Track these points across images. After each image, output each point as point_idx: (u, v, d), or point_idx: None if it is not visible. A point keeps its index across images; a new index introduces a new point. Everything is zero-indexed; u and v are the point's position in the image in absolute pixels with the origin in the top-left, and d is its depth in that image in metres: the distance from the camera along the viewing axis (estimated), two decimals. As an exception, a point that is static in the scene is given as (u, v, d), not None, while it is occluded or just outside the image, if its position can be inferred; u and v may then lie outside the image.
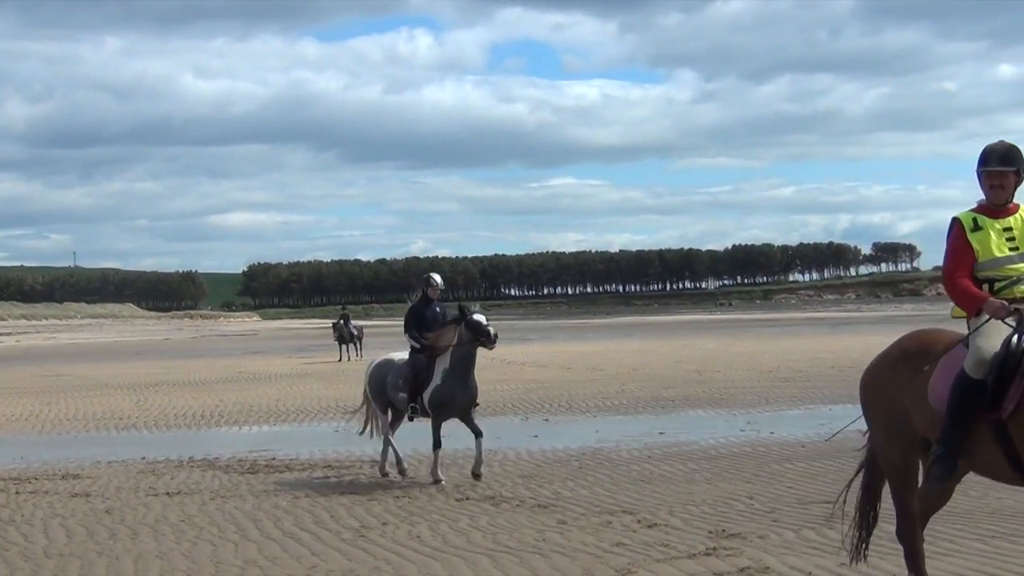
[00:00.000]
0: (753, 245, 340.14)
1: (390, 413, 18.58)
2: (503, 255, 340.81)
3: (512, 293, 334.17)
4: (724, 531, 13.00)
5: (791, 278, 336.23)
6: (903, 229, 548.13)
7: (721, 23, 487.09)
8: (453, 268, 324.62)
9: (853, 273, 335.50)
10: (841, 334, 69.37)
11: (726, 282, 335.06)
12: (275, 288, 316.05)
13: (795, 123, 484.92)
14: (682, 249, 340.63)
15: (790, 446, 20.35)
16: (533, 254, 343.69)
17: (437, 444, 17.55)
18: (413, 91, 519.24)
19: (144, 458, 21.12)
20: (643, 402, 29.10)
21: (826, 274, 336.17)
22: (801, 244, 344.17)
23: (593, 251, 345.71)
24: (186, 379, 42.33)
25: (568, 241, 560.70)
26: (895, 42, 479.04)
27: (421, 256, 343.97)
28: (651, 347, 58.87)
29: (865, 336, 64.62)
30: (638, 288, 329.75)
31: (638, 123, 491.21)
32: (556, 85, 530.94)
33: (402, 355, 18.43)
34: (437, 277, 18.64)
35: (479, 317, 17.48)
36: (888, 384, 9.79)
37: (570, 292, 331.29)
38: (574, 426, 24.76)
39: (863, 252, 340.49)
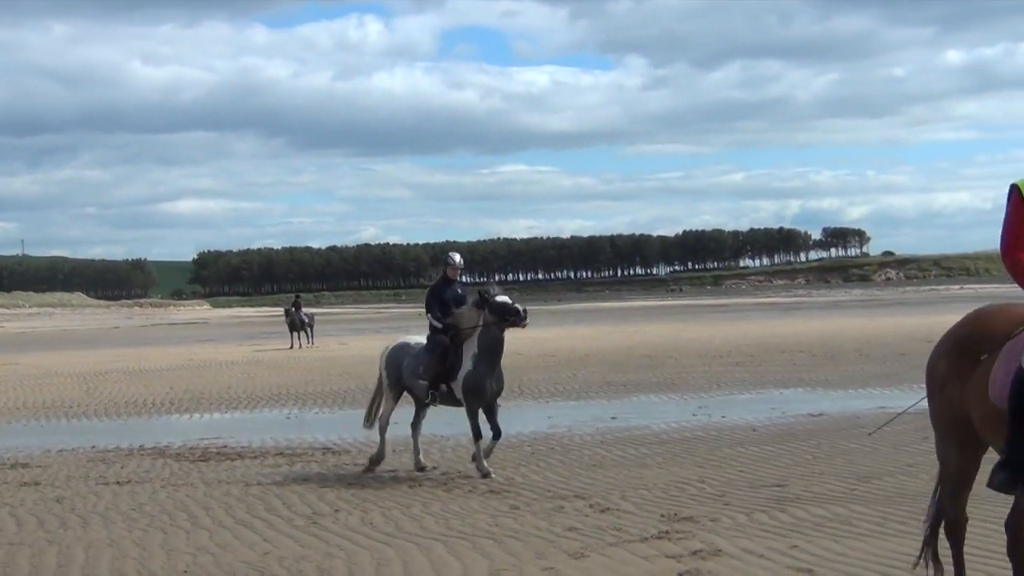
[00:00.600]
0: (704, 231, 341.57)
1: (407, 403, 17.67)
2: (454, 241, 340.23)
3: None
4: (676, 515, 13.04)
5: (742, 264, 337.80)
6: (852, 214, 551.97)
7: (671, 9, 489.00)
8: (404, 255, 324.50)
9: (803, 258, 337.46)
10: (791, 319, 69.76)
11: (677, 268, 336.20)
12: (225, 276, 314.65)
13: (745, 109, 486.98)
14: (633, 235, 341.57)
15: (741, 430, 20.46)
16: (484, 240, 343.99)
17: (477, 434, 16.53)
18: (363, 78, 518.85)
19: (94, 447, 20.98)
20: (595, 387, 29.16)
21: (776, 259, 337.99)
22: (752, 230, 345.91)
23: (544, 237, 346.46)
24: (136, 367, 42.06)
25: (519, 227, 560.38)
26: (844, 28, 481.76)
27: (372, 243, 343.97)
28: (603, 333, 59.00)
29: (814, 320, 65.03)
30: (590, 274, 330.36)
31: (589, 109, 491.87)
32: (506, 72, 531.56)
33: (418, 339, 17.61)
34: (456, 256, 17.94)
35: (502, 298, 16.72)
36: (943, 373, 8.65)
37: (521, 278, 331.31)
38: (526, 412, 24.77)
39: (813, 237, 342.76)
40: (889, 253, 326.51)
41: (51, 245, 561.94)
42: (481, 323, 16.64)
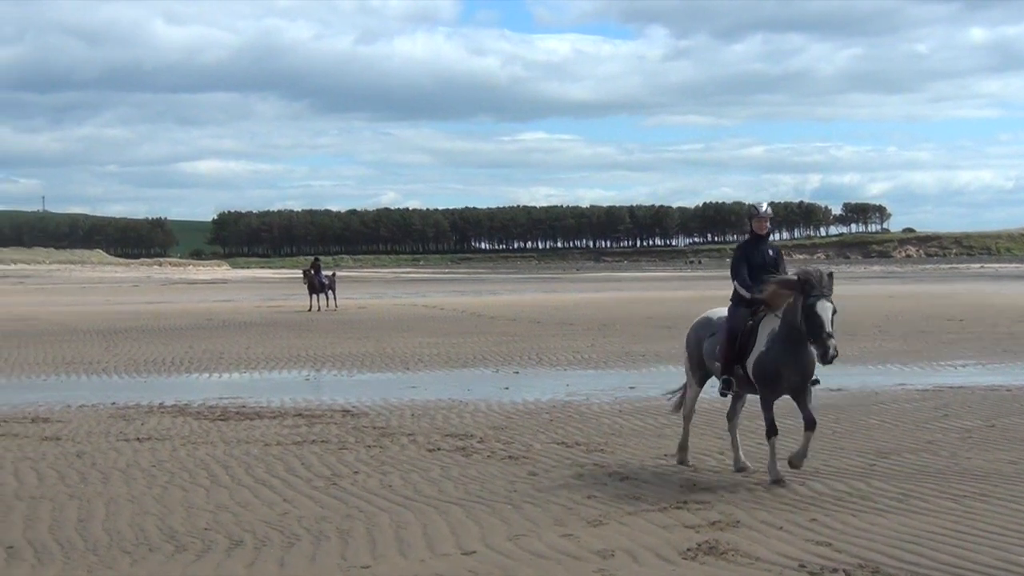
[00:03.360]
0: (724, 203, 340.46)
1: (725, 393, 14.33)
2: (474, 208, 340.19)
3: (482, 247, 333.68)
4: (695, 485, 13.06)
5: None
6: (872, 190, 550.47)
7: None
8: (424, 220, 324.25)
9: (823, 233, 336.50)
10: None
11: (696, 240, 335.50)
12: (245, 237, 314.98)
13: (766, 82, 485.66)
14: (653, 206, 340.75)
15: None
16: (504, 208, 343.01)
17: (771, 430, 13.50)
18: (385, 42, 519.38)
19: (114, 403, 21.07)
20: (613, 357, 29.16)
21: (796, 234, 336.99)
22: (771, 203, 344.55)
23: (564, 206, 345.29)
24: (155, 326, 42.18)
25: (539, 195, 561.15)
26: (867, 3, 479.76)
27: (392, 207, 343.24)
28: (621, 302, 58.93)
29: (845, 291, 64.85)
30: (608, 244, 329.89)
31: (610, 79, 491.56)
32: (528, 39, 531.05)
33: (722, 313, 14.59)
34: (763, 204, 14.75)
35: (825, 308, 12.98)
36: None
37: (540, 247, 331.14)
38: (545, 379, 24.79)
39: (833, 212, 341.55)
40: (910, 230, 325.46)
41: (72, 202, 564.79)
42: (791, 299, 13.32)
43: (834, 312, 13.06)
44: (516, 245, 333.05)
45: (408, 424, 18.16)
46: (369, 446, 16.12)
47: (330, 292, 54.51)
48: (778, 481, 13.09)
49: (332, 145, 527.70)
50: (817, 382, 13.96)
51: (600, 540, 10.71)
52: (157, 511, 12.10)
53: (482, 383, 24.11)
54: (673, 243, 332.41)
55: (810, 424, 13.32)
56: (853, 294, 66.00)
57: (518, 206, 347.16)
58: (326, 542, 10.80)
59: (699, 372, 14.88)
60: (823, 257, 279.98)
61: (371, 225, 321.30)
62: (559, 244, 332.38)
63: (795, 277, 13.32)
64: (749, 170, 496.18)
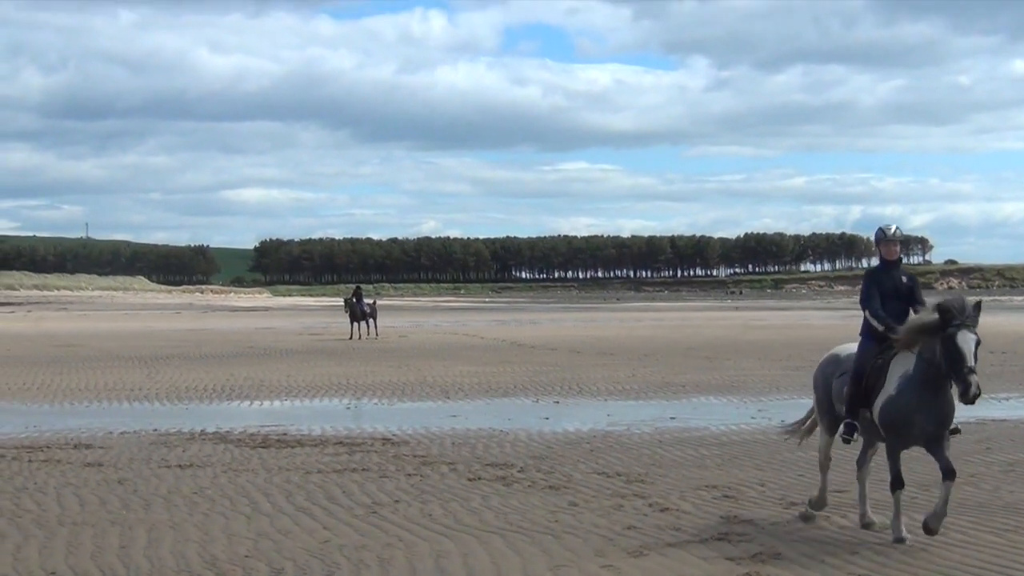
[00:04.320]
0: (765, 234, 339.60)
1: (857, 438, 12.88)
2: (515, 237, 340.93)
3: (523, 276, 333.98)
4: (736, 517, 13.01)
5: (802, 268, 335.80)
6: (915, 222, 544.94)
7: (735, 11, 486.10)
8: (465, 249, 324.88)
9: (865, 264, 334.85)
10: (853, 323, 69.23)
11: (737, 270, 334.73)
12: (286, 265, 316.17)
13: (808, 113, 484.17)
14: (694, 236, 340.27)
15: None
16: (544, 237, 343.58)
17: (896, 483, 11.99)
18: (427, 72, 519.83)
19: (156, 430, 21.18)
20: (654, 387, 29.10)
21: (838, 265, 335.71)
22: (813, 234, 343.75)
23: (605, 236, 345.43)
24: (197, 353, 42.39)
25: (580, 225, 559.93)
26: (909, 35, 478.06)
27: (433, 236, 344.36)
28: (661, 333, 58.83)
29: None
30: (649, 274, 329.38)
31: (651, 109, 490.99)
32: (569, 69, 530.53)
33: (851, 349, 13.28)
34: (893, 227, 13.13)
35: (967, 339, 11.63)
36: None
37: (581, 276, 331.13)
38: (585, 409, 24.77)
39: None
40: (952, 261, 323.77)
41: (115, 229, 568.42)
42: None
43: (978, 344, 11.74)
44: (556, 274, 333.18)
45: (448, 453, 18.18)
46: (409, 474, 16.14)
47: (371, 320, 54.65)
48: (900, 540, 11.67)
49: (374, 174, 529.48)
50: (958, 431, 12.35)
51: (641, 571, 10.69)
52: (198, 538, 12.14)
53: (522, 412, 24.12)
54: (714, 273, 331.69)
55: (948, 474, 11.65)
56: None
57: (559, 236, 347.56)
58: (366, 570, 10.81)
59: (828, 417, 13.23)
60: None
61: (412, 254, 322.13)
62: (599, 274, 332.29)
63: (934, 315, 11.88)
64: (790, 201, 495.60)
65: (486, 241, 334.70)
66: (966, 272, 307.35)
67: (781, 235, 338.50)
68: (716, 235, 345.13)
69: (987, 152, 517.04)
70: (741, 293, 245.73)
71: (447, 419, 22.86)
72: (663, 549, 11.51)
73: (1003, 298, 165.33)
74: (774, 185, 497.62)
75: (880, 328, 12.61)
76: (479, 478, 15.82)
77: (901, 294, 12.94)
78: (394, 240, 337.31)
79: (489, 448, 18.67)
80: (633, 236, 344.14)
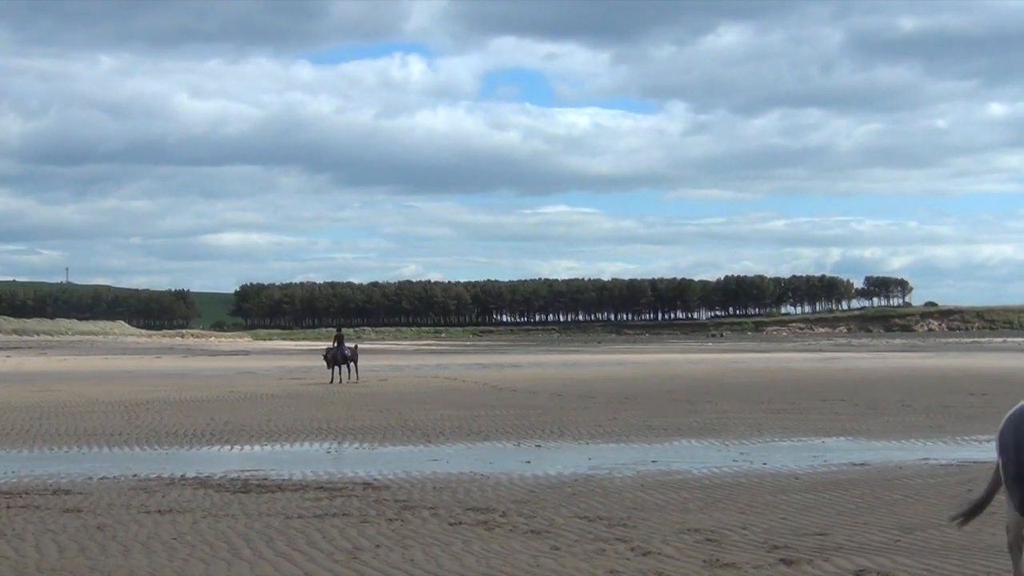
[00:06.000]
0: (745, 276, 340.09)
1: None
2: (495, 280, 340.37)
3: (503, 319, 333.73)
4: (718, 560, 12.97)
5: (783, 310, 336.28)
6: (893, 264, 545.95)
7: (713, 56, 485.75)
8: (445, 293, 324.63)
9: (845, 307, 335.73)
10: (833, 365, 69.37)
11: (718, 313, 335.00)
12: (267, 309, 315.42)
13: (786, 157, 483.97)
14: (674, 279, 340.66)
15: (784, 477, 20.35)
16: (525, 280, 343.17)
17: None
18: (406, 116, 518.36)
19: (135, 475, 21.06)
20: (635, 430, 29.06)
21: (818, 307, 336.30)
22: (793, 277, 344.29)
23: (585, 279, 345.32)
24: (177, 397, 42.21)
25: (560, 268, 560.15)
26: (886, 79, 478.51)
27: (413, 280, 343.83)
28: (642, 376, 58.81)
29: (853, 369, 64.67)
30: (630, 317, 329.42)
31: (630, 153, 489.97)
32: (548, 113, 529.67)
33: None
34: None
35: None
36: None
37: (561, 320, 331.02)
38: (566, 452, 24.72)
39: (855, 286, 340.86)
40: (931, 304, 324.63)
41: (95, 274, 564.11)
42: None
43: None
44: (537, 318, 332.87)
45: (430, 497, 18.11)
46: (390, 519, 16.07)
47: (352, 364, 54.52)
48: None
49: (354, 218, 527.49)
50: None
51: (623, 616, 10.64)
52: (178, 584, 12.06)
53: (504, 456, 24.06)
54: (695, 316, 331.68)
55: None
56: (875, 367, 65.83)
57: (539, 279, 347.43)
58: (347, 616, 10.73)
59: (1020, 492, 10.44)
60: (845, 331, 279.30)
61: (393, 297, 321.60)
62: (580, 317, 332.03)
63: None
64: (770, 244, 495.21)
65: (467, 284, 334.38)
66: (946, 314, 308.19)
67: (761, 277, 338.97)
68: (697, 278, 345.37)
69: (964, 195, 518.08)
70: (722, 336, 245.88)
71: (428, 463, 22.79)
72: (646, 593, 11.47)
73: (983, 340, 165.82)
74: (754, 228, 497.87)
75: None
76: (460, 522, 15.76)
77: None
78: (375, 284, 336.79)
79: (471, 492, 18.61)
80: (614, 279, 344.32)
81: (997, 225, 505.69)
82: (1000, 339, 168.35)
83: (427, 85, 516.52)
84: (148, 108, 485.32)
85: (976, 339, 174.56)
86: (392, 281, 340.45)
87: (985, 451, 24.36)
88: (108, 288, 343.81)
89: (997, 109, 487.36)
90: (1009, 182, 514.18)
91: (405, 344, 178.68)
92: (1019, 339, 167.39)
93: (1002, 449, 10.56)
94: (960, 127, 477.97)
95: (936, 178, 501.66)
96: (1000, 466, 10.61)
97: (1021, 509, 10.32)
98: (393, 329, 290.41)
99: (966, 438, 26.97)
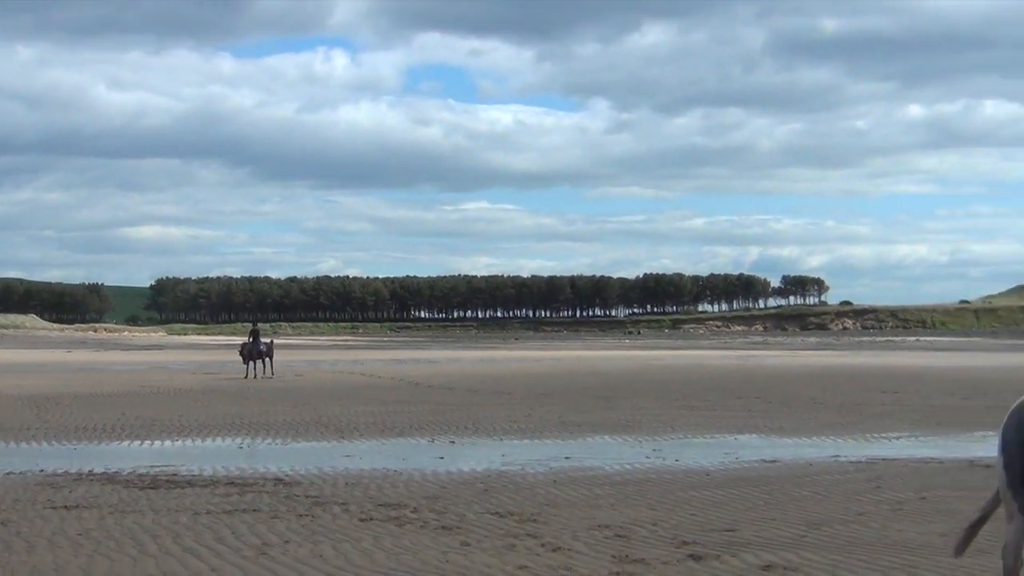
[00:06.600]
0: (664, 275, 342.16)
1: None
2: (415, 277, 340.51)
3: (422, 315, 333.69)
4: (628, 556, 13.00)
5: (700, 308, 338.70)
6: (811, 263, 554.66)
7: (637, 55, 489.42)
8: (364, 288, 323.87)
9: (761, 305, 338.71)
10: (748, 363, 69.87)
11: (636, 310, 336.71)
12: (182, 303, 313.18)
13: (707, 156, 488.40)
14: (593, 276, 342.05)
15: (695, 474, 20.45)
16: (444, 277, 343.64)
17: None
18: (329, 110, 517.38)
19: (43, 471, 20.78)
20: (550, 426, 29.10)
21: (735, 305, 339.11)
22: (711, 275, 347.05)
23: (505, 276, 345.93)
24: (88, 392, 41.73)
25: (480, 265, 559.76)
26: (807, 80, 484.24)
27: (332, 275, 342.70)
28: (559, 372, 58.94)
29: (765, 364, 65.22)
30: (548, 314, 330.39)
31: (552, 150, 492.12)
32: (471, 109, 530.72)
33: None
34: None
35: None
36: None
37: (480, 316, 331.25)
38: (480, 448, 24.70)
39: (772, 285, 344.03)
40: (847, 303, 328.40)
41: (7, 267, 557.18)
42: None
43: None
44: (456, 314, 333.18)
45: (341, 493, 18.02)
46: (301, 515, 15.96)
47: (267, 359, 54.21)
48: None
49: (274, 212, 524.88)
50: None
51: (530, 611, 10.63)
52: (82, 580, 11.90)
53: (417, 452, 24.00)
54: (613, 313, 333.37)
55: None
56: (789, 365, 66.40)
57: (459, 275, 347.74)
58: (253, 613, 10.65)
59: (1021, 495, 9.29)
60: (761, 329, 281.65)
61: (311, 293, 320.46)
62: (499, 314, 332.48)
63: None
64: (689, 242, 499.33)
65: (386, 280, 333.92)
66: (860, 313, 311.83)
67: (680, 275, 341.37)
68: (616, 275, 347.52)
69: (881, 195, 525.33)
70: (639, 333, 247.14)
71: (341, 459, 22.69)
72: (554, 589, 11.47)
73: (896, 339, 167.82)
74: (674, 226, 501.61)
75: None
76: (371, 518, 15.69)
77: None
78: (293, 279, 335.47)
79: (383, 488, 18.54)
80: (533, 276, 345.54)
81: (913, 226, 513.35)
82: (913, 338, 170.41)
83: (350, 80, 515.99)
84: (66, 99, 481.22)
85: (890, 338, 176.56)
86: (310, 276, 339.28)
87: (895, 448, 24.68)
88: (20, 281, 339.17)
89: (916, 111, 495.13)
90: (926, 183, 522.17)
91: (322, 340, 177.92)
92: (932, 338, 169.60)
93: (1001, 447, 9.53)
94: (879, 128, 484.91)
95: (854, 178, 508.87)
96: (1001, 467, 9.53)
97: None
98: (310, 324, 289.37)
99: (876, 435, 27.25)
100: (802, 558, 12.78)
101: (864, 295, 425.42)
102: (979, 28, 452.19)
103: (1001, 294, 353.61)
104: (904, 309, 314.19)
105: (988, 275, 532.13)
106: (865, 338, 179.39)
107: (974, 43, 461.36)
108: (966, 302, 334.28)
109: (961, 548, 10.07)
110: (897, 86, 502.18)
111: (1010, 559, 9.36)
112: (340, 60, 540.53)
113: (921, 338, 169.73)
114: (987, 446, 24.94)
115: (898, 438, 26.82)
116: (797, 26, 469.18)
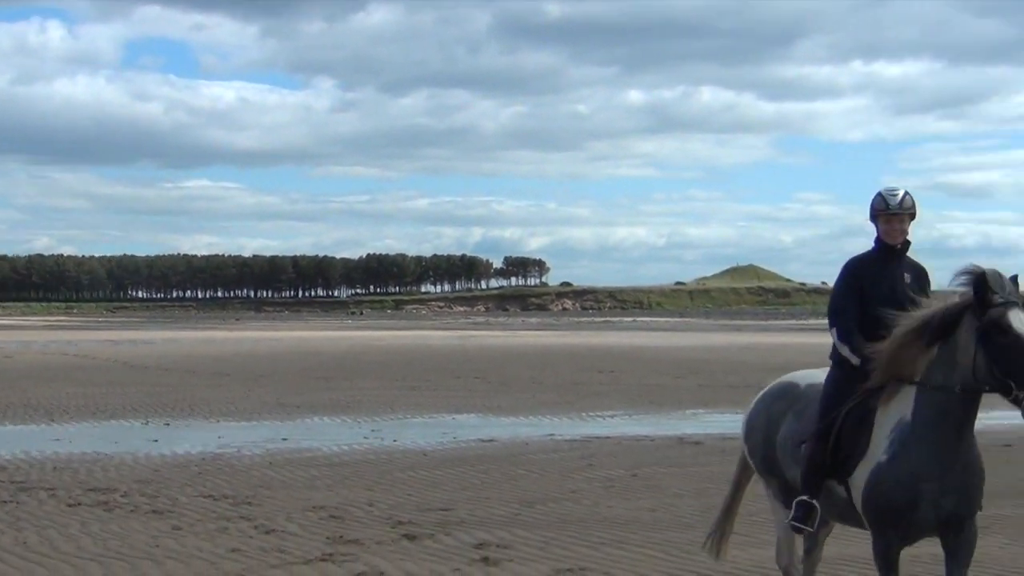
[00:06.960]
0: (387, 255, 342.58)
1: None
2: (132, 256, 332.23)
3: (140, 295, 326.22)
4: (342, 537, 12.97)
5: (423, 289, 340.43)
6: (532, 244, 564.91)
7: (363, 34, 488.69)
8: (79, 267, 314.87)
9: (484, 286, 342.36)
10: (469, 343, 70.51)
11: (359, 291, 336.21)
12: None
13: (432, 136, 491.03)
14: (316, 256, 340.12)
15: (413, 454, 20.54)
16: (163, 256, 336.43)
17: None
18: (43, 83, 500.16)
19: None
20: (268, 408, 28.83)
21: (457, 286, 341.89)
22: (435, 256, 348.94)
23: (225, 255, 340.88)
24: None
25: (200, 244, 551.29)
26: (531, 63, 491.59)
27: (45, 253, 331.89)
28: (279, 353, 58.42)
29: (486, 344, 65.98)
30: (270, 294, 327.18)
31: (276, 128, 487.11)
32: (193, 85, 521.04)
33: (816, 379, 8.73)
34: (900, 192, 8.39)
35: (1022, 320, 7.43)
36: None
37: (200, 296, 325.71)
38: (196, 431, 24.31)
39: (494, 266, 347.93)
40: (567, 284, 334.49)
41: None
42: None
43: None
44: (175, 294, 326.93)
45: (49, 478, 17.49)
46: (5, 501, 15.42)
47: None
48: None
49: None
50: (980, 510, 7.96)
51: (241, 595, 10.51)
52: None
53: (130, 435, 23.46)
54: (335, 294, 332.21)
55: None
56: (510, 345, 67.27)
57: (178, 254, 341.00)
58: (-51, 604, 10.25)
59: (776, 480, 8.84)
60: (483, 309, 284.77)
61: (22, 271, 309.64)
62: (219, 294, 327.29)
63: (956, 296, 7.70)
64: (413, 222, 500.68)
65: (102, 259, 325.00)
66: (580, 294, 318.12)
67: (403, 256, 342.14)
68: (339, 255, 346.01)
69: (602, 179, 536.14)
70: (362, 314, 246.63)
71: (50, 443, 22.00)
72: (266, 571, 11.38)
73: (614, 319, 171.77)
74: (398, 207, 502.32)
75: (855, 360, 8.19)
76: (79, 504, 15.27)
77: (901, 301, 8.15)
78: (3, 257, 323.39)
79: (92, 473, 18.07)
80: (255, 256, 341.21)
81: (632, 209, 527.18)
82: (630, 319, 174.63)
83: (66, 52, 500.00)
84: None
85: (608, 318, 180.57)
86: (22, 255, 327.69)
87: (609, 427, 25.26)
88: None
89: (636, 96, 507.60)
90: (644, 167, 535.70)
91: (34, 320, 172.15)
92: (648, 318, 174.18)
93: (747, 433, 9.08)
94: (600, 112, 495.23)
95: (576, 161, 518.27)
96: (746, 452, 9.18)
97: (786, 502, 8.52)
98: (22, 304, 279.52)
99: (591, 414, 27.84)
100: (515, 535, 12.97)
101: (584, 276, 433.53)
102: (698, 17, 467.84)
103: (714, 276, 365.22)
104: (622, 290, 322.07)
105: (702, 257, 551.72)
106: (584, 318, 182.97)
107: (693, 31, 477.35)
108: (681, 283, 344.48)
109: (716, 543, 9.73)
110: (618, 71, 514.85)
111: (784, 559, 8.94)
112: (56, 32, 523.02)
113: (638, 318, 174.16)
114: (697, 423, 25.85)
115: (612, 417, 27.46)
116: (521, 9, 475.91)
